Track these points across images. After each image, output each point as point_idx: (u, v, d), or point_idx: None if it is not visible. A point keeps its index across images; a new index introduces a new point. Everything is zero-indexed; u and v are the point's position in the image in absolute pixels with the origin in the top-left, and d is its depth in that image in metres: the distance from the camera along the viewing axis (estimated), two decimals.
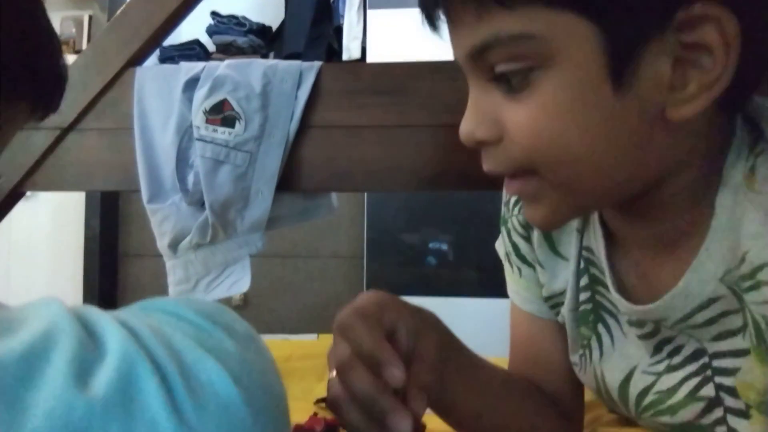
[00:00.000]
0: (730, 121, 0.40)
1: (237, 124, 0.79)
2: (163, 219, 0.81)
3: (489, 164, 0.41)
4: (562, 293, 0.54)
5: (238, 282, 0.79)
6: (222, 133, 0.79)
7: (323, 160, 0.82)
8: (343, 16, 2.14)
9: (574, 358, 0.53)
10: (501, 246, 0.61)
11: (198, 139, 0.79)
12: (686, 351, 0.44)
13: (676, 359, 0.45)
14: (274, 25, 2.40)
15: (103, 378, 0.23)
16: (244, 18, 2.34)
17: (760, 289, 0.37)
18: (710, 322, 0.41)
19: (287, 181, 0.82)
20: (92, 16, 2.36)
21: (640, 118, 0.37)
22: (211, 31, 2.35)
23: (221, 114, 0.80)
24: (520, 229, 0.57)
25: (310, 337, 1.82)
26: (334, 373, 0.41)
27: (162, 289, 0.81)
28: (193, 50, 2.35)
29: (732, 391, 0.41)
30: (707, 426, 0.43)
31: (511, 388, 0.56)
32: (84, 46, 2.41)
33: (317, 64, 0.82)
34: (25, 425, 0.20)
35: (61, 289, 2.35)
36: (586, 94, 0.36)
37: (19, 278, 2.43)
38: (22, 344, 0.22)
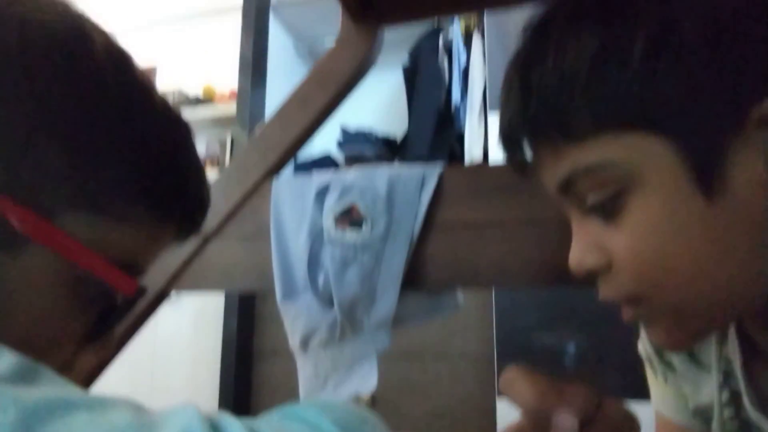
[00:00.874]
0: None
1: (364, 226, 0.82)
2: (295, 317, 0.84)
3: (604, 292, 0.40)
4: (710, 408, 0.48)
5: (366, 380, 0.79)
6: (350, 235, 0.82)
7: (447, 258, 0.82)
8: (464, 124, 2.21)
9: None
10: (643, 349, 0.56)
11: (328, 242, 0.83)
12: None
13: None
14: (399, 136, 2.53)
15: None
16: (371, 131, 2.48)
17: None
18: None
19: (412, 280, 0.82)
20: (234, 137, 2.60)
21: (744, 222, 0.34)
22: (340, 146, 2.50)
23: (350, 218, 0.83)
24: None
25: None
26: None
27: (294, 388, 0.83)
28: (324, 163, 2.51)
29: None
30: None
31: None
32: (227, 162, 2.67)
33: (439, 166, 0.85)
34: None
35: (200, 385, 2.47)
36: (679, 208, 0.35)
37: (161, 378, 2.59)
38: None
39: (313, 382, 0.82)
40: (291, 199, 0.90)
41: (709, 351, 0.48)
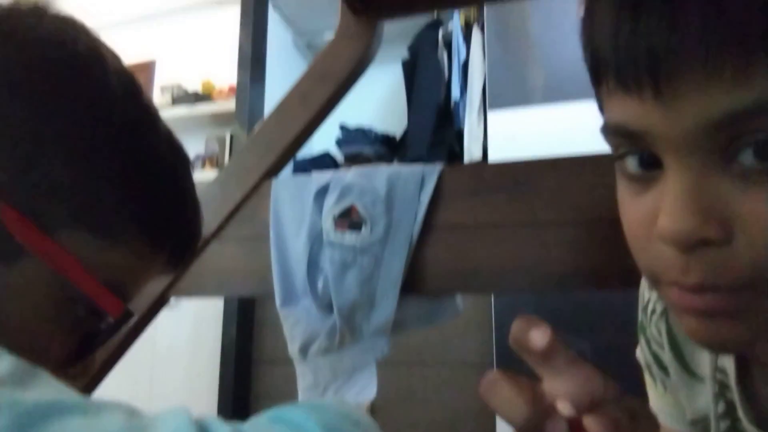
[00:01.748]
0: None
1: (363, 228, 0.82)
2: (295, 323, 0.83)
3: (705, 273, 0.32)
4: (706, 418, 0.46)
5: (366, 389, 0.78)
6: (350, 237, 0.82)
7: (447, 261, 0.81)
8: (463, 120, 2.20)
9: None
10: (642, 356, 0.55)
11: (327, 244, 0.83)
12: None
13: None
14: (398, 134, 2.52)
15: None
16: (370, 129, 2.47)
17: None
18: None
19: (412, 284, 0.81)
20: (233, 135, 2.58)
21: None
22: (339, 143, 2.49)
23: (349, 219, 0.83)
24: (659, 338, 0.51)
25: None
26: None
27: (293, 395, 0.82)
28: (323, 162, 2.50)
29: None
30: None
31: None
32: (226, 161, 2.66)
33: (439, 166, 0.84)
34: None
35: (199, 392, 2.46)
36: None
37: (161, 382, 2.59)
38: None
39: (312, 391, 0.81)
40: (290, 200, 0.89)
41: (703, 361, 0.46)
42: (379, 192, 0.83)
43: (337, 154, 2.55)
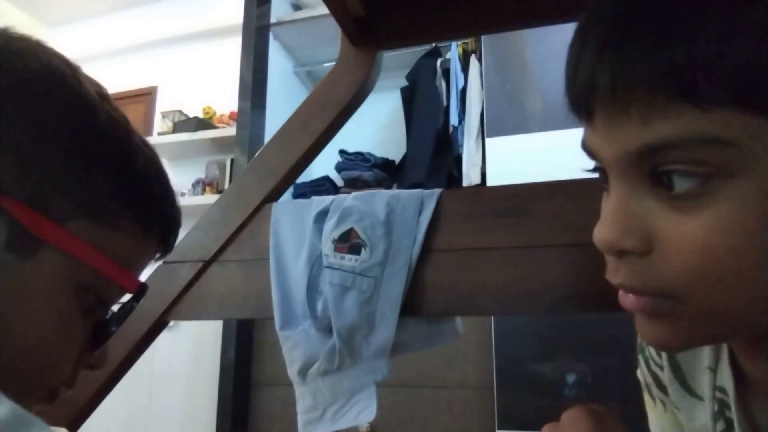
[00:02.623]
0: None
1: (363, 251, 0.82)
2: (294, 345, 0.83)
3: (625, 277, 0.36)
4: None
5: (365, 411, 0.78)
6: (349, 260, 0.82)
7: (446, 284, 0.82)
8: (462, 146, 2.22)
9: None
10: (641, 376, 0.56)
11: (327, 267, 0.83)
12: None
13: None
14: (397, 159, 2.54)
15: None
16: (369, 154, 2.49)
17: None
18: None
19: (411, 306, 0.82)
20: (233, 159, 2.60)
21: None
22: (339, 168, 2.51)
23: (348, 242, 0.83)
24: (657, 359, 0.52)
25: None
26: None
27: (292, 417, 0.82)
28: (323, 186, 2.52)
29: None
30: None
31: None
32: (226, 185, 2.67)
33: (438, 190, 0.85)
34: None
35: (197, 414, 2.44)
36: None
37: (159, 403, 2.56)
38: None
39: (311, 414, 0.81)
40: (290, 223, 0.90)
41: (703, 381, 0.47)
42: (378, 215, 0.84)
43: (337, 179, 2.57)
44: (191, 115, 2.88)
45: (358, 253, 0.82)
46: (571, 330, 1.84)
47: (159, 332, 0.92)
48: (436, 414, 2.06)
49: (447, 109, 2.33)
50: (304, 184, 2.53)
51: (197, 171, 2.85)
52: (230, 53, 2.85)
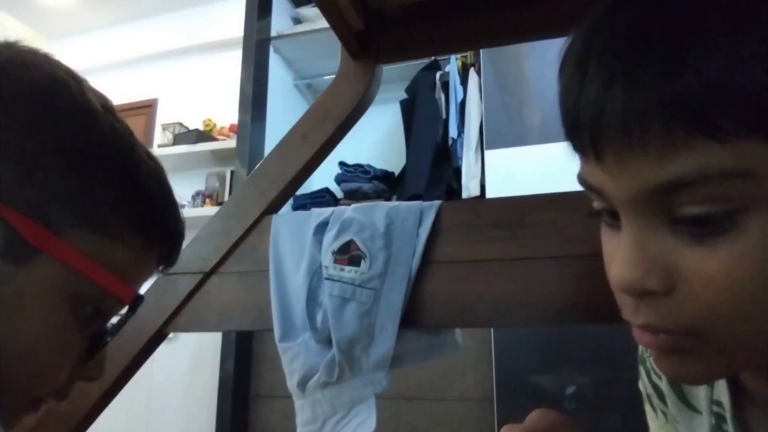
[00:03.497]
0: None
1: (362, 262, 0.82)
2: (293, 357, 0.83)
3: (648, 318, 0.34)
4: None
5: (364, 423, 0.78)
6: (349, 272, 0.82)
7: (446, 295, 0.82)
8: (461, 158, 2.23)
9: None
10: (642, 386, 0.56)
11: (326, 279, 0.83)
12: None
13: None
14: (397, 171, 2.54)
15: None
16: (369, 166, 2.50)
17: None
18: None
19: (411, 317, 0.82)
20: (233, 171, 2.61)
21: None
22: (339, 180, 2.52)
23: (348, 254, 0.83)
24: (658, 370, 0.52)
25: None
26: None
27: (291, 430, 0.81)
28: (323, 198, 2.52)
29: None
30: None
31: None
32: (226, 197, 2.68)
33: (437, 202, 0.85)
34: None
35: (195, 426, 2.43)
36: None
37: (158, 415, 2.55)
38: None
39: (311, 426, 0.81)
40: (290, 235, 0.90)
41: (700, 394, 0.47)
42: (378, 227, 0.84)
43: (337, 190, 2.57)
44: (191, 128, 2.90)
45: (358, 264, 0.82)
46: (571, 342, 1.83)
47: (158, 344, 0.92)
48: (436, 426, 2.05)
49: (446, 121, 2.34)
50: (304, 195, 2.54)
51: (197, 183, 2.85)
52: (231, 66, 2.86)
